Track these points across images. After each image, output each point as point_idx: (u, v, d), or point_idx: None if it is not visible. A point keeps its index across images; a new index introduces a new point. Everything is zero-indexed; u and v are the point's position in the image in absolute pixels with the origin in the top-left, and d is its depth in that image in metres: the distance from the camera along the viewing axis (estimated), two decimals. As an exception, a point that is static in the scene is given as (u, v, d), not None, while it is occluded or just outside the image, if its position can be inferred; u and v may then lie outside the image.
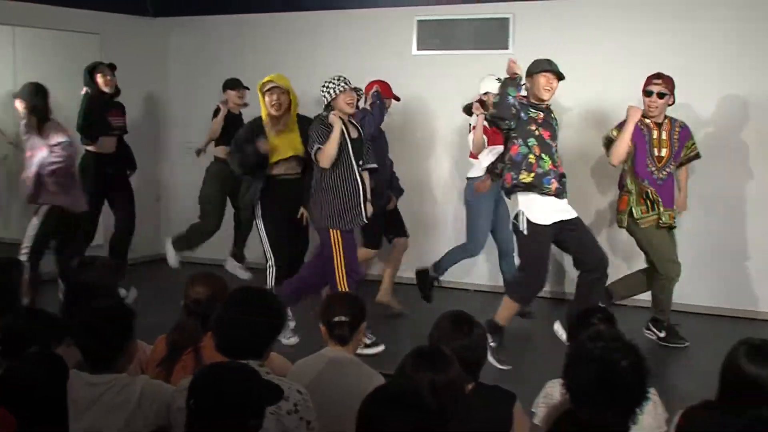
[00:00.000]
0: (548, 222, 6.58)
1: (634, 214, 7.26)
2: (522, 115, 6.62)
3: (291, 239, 7.63)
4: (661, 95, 7.24)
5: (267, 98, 7.33)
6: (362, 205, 7.10)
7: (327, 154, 6.81)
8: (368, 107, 7.96)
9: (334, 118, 6.90)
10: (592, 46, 8.88)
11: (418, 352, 3.41)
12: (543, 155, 6.60)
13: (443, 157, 9.62)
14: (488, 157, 7.84)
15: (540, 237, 6.59)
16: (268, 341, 3.65)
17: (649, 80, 7.34)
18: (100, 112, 8.49)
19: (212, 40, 10.78)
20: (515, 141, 6.66)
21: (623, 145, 7.15)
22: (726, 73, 8.38)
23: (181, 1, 10.54)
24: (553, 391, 4.07)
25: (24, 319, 4.16)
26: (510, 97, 6.53)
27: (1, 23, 9.74)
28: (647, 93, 7.31)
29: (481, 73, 9.07)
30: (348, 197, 7.02)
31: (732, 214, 8.45)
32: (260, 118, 7.49)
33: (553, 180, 6.58)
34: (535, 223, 6.55)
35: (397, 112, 9.48)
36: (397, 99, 8.38)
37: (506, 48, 9.24)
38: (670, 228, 7.33)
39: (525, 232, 6.57)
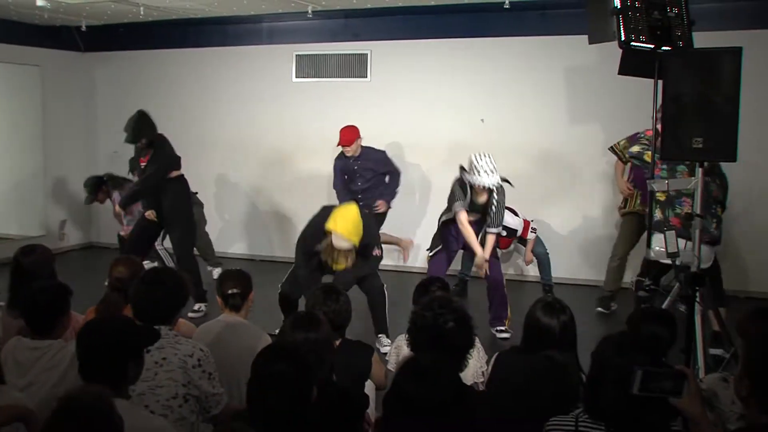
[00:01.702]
0: None
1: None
2: None
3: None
4: None
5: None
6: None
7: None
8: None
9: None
10: (430, 77, 9.01)
11: (296, 316, 3.41)
12: None
13: (314, 159, 9.48)
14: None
15: None
16: (174, 310, 3.59)
17: None
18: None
19: (131, 71, 10.52)
20: None
21: None
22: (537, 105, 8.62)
23: (105, 38, 10.23)
24: (402, 344, 4.11)
25: None
26: None
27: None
28: None
29: (346, 95, 9.17)
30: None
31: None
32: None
33: None
34: None
35: (276, 126, 9.50)
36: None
37: (365, 77, 9.30)
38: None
39: None
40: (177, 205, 7.23)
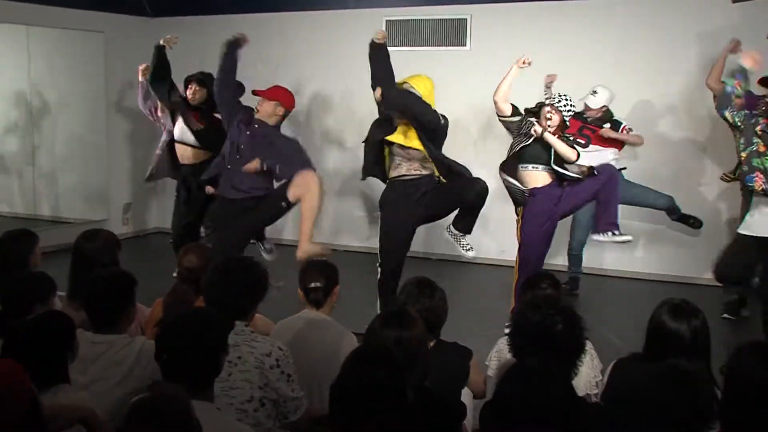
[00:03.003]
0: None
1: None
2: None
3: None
4: None
5: None
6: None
7: None
8: None
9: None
10: (540, 45, 8.87)
11: (386, 313, 3.42)
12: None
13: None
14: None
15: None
16: (251, 304, 3.64)
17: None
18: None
19: (202, 38, 10.66)
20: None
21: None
22: (652, 69, 8.45)
23: (175, 2, 10.43)
24: (504, 347, 4.09)
25: (23, 280, 4.09)
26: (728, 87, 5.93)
27: (17, 23, 9.69)
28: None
29: (442, 66, 9.11)
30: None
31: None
32: None
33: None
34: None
35: (367, 99, 9.48)
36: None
37: (464, 45, 9.25)
38: None
39: None
40: None
